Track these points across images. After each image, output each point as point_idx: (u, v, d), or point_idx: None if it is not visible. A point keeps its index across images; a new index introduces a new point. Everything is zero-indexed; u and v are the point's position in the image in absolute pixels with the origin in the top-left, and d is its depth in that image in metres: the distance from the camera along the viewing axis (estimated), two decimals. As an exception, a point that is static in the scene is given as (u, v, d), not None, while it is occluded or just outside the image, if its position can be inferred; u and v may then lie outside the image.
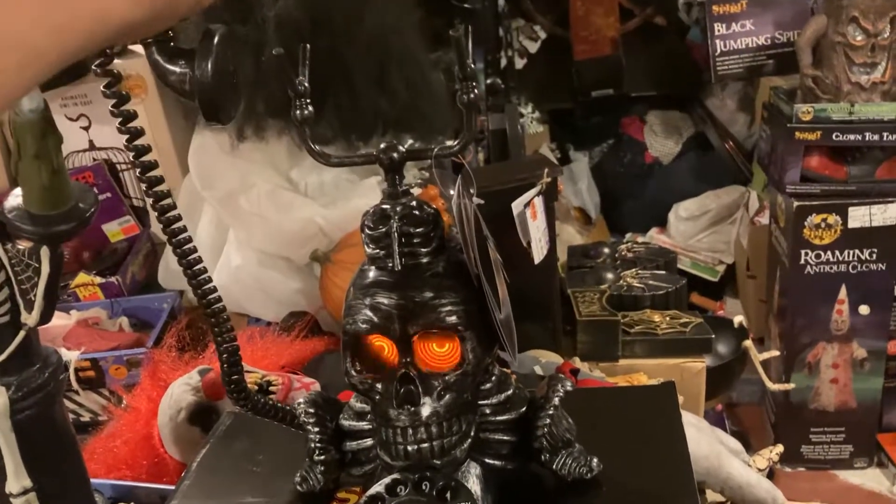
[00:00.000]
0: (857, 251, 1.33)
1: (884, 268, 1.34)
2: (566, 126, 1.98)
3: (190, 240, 0.47)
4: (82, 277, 1.36)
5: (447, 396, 0.50)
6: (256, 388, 0.76)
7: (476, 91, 0.48)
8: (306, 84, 0.51)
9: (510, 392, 0.54)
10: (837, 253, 1.34)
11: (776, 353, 1.31)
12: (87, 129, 1.53)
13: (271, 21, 1.04)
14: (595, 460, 0.53)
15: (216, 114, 0.42)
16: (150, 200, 0.46)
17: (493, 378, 0.54)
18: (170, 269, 1.41)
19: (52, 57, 0.32)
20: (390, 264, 0.50)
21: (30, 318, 0.55)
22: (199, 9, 0.38)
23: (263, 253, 1.25)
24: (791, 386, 1.33)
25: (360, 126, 1.15)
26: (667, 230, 1.83)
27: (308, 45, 0.51)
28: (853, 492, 1.42)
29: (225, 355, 0.51)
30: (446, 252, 0.52)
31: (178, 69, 0.42)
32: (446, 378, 0.50)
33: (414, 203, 0.51)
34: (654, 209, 1.85)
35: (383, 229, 0.50)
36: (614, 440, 0.57)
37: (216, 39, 0.41)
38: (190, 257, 0.47)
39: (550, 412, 0.52)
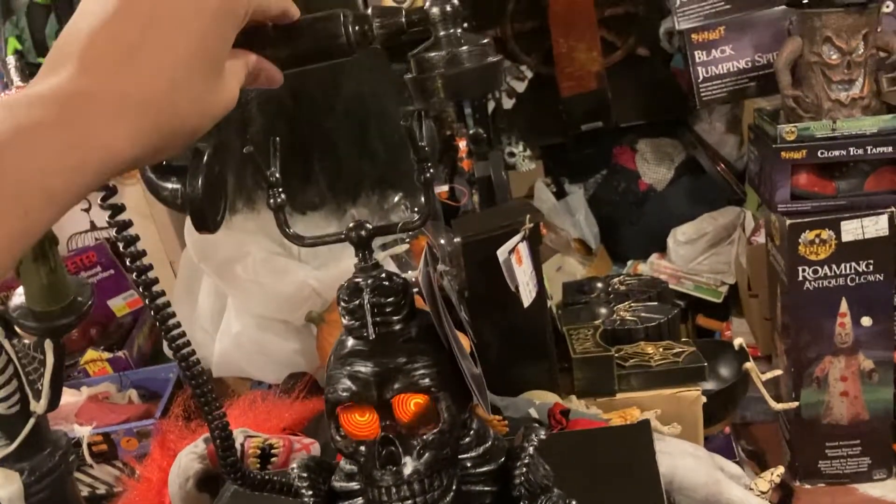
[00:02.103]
0: (853, 264, 1.34)
1: (882, 278, 1.34)
2: (559, 160, 2.02)
3: (184, 334, 0.51)
4: (91, 354, 1.40)
5: (427, 454, 0.53)
6: (259, 451, 0.79)
7: (431, 171, 0.53)
8: (277, 175, 0.55)
9: (489, 444, 0.57)
10: (834, 267, 1.34)
11: (779, 372, 1.32)
12: (87, 210, 1.59)
13: (254, 100, 1.09)
14: (573, 503, 0.56)
15: (206, 225, 0.46)
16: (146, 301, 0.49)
17: (472, 432, 0.57)
18: None
19: (67, 197, 0.34)
20: (365, 333, 0.54)
21: (38, 406, 0.59)
22: (195, 141, 0.40)
23: (261, 317, 1.28)
24: (795, 404, 1.33)
25: (346, 189, 1.20)
26: (667, 255, 1.84)
27: (278, 139, 0.55)
28: (874, 504, 1.41)
29: (218, 441, 0.55)
30: (418, 317, 0.56)
31: (170, 185, 0.46)
32: (425, 437, 0.53)
33: (384, 275, 0.55)
34: (653, 235, 1.87)
35: (357, 302, 0.54)
36: (592, 482, 0.60)
37: (205, 158, 0.45)
38: (183, 351, 0.51)
39: (526, 461, 0.55)
